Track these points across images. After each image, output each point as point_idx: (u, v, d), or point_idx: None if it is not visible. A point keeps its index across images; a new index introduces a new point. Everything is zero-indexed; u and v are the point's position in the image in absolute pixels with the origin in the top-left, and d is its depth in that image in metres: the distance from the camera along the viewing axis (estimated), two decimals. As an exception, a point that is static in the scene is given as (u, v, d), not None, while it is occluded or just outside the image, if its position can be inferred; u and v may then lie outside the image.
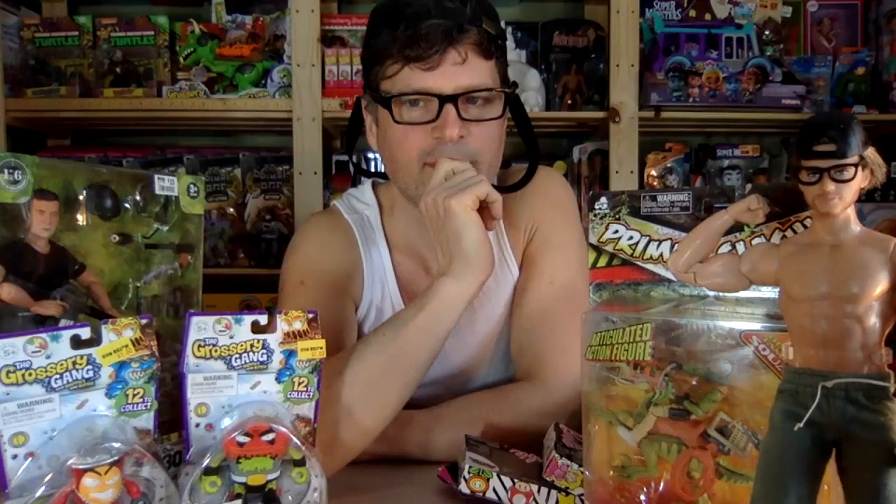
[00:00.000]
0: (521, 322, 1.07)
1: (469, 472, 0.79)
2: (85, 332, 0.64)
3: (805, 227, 0.63)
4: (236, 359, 0.70)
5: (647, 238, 0.71)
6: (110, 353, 0.64)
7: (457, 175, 0.89)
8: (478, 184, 0.88)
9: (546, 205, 1.10)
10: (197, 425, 0.69)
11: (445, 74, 0.91)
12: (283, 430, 0.66)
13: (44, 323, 0.74)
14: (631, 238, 0.72)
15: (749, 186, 0.67)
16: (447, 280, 0.88)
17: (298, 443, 0.67)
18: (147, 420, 0.67)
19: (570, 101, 1.96)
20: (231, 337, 0.69)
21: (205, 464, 0.65)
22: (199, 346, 0.69)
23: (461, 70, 0.91)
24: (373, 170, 1.95)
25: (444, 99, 0.91)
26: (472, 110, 0.93)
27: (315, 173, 1.87)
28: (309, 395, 0.72)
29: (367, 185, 1.15)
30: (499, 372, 1.15)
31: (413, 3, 0.91)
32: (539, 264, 1.08)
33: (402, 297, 1.07)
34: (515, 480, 0.78)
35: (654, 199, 0.71)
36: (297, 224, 1.87)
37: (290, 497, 0.67)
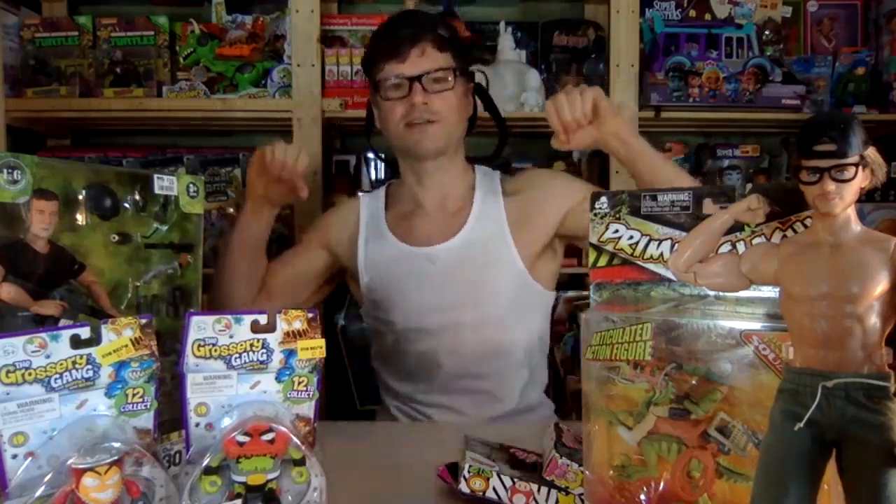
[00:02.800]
0: None
1: (469, 472, 0.79)
2: (84, 332, 0.64)
3: (805, 226, 0.63)
4: (236, 358, 0.70)
5: (648, 237, 0.71)
6: (110, 353, 0.64)
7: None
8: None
9: (565, 187, 1.41)
10: (197, 425, 0.69)
11: (411, 63, 1.32)
12: (283, 429, 0.66)
13: (43, 323, 0.74)
14: (631, 237, 0.72)
15: (749, 186, 0.67)
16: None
17: (298, 442, 0.67)
18: (147, 420, 0.67)
19: (570, 101, 1.95)
20: (231, 336, 0.69)
21: (205, 463, 0.65)
22: (199, 345, 0.69)
23: (422, 60, 1.32)
24: (373, 168, 2.04)
25: (411, 79, 1.31)
26: (434, 86, 1.33)
27: (315, 173, 1.87)
28: (309, 395, 0.72)
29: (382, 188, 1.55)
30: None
31: (392, 23, 1.38)
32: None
33: (393, 230, 1.42)
34: (515, 480, 0.78)
35: (654, 198, 0.71)
36: (297, 224, 1.87)
37: (290, 497, 0.67)
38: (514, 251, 1.36)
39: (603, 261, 0.73)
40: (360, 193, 1.54)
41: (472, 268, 1.35)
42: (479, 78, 1.48)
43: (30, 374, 0.61)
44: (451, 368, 1.34)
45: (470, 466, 0.79)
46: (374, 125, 1.45)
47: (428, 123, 1.33)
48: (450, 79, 1.34)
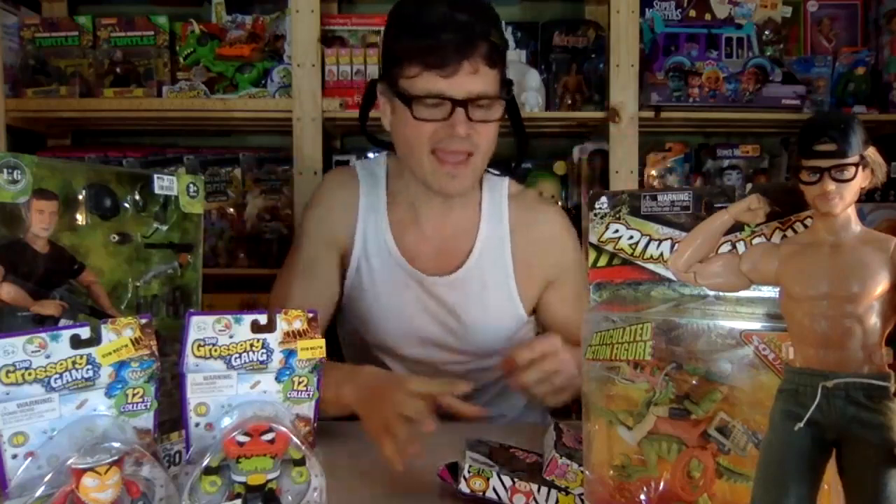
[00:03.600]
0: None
1: (469, 472, 0.79)
2: (84, 332, 0.64)
3: (805, 226, 0.63)
4: (236, 358, 0.70)
5: (648, 237, 0.71)
6: (110, 353, 0.64)
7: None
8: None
9: (564, 261, 1.26)
10: (197, 425, 0.69)
11: (460, 82, 1.05)
12: (283, 429, 0.66)
13: (43, 323, 0.74)
14: (631, 237, 0.72)
15: (749, 186, 0.67)
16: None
17: (298, 442, 0.67)
18: (147, 420, 0.67)
19: (570, 101, 1.95)
20: (231, 336, 0.69)
21: (205, 463, 0.65)
22: (199, 345, 0.68)
23: (473, 79, 1.05)
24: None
25: (456, 103, 1.05)
26: (478, 113, 1.08)
27: (315, 173, 1.87)
28: (308, 395, 0.72)
29: (382, 154, 1.32)
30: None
31: (432, 15, 1.05)
32: (561, 302, 1.26)
33: (394, 238, 1.23)
34: (515, 480, 0.78)
35: (654, 198, 0.71)
36: (297, 224, 1.87)
37: (289, 497, 0.67)
38: (517, 300, 1.24)
39: (603, 261, 0.73)
40: (356, 172, 1.28)
41: (469, 308, 1.22)
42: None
43: (30, 374, 0.61)
44: None
45: (470, 466, 0.79)
46: (367, 117, 1.23)
47: (462, 160, 1.10)
48: (497, 106, 1.11)
